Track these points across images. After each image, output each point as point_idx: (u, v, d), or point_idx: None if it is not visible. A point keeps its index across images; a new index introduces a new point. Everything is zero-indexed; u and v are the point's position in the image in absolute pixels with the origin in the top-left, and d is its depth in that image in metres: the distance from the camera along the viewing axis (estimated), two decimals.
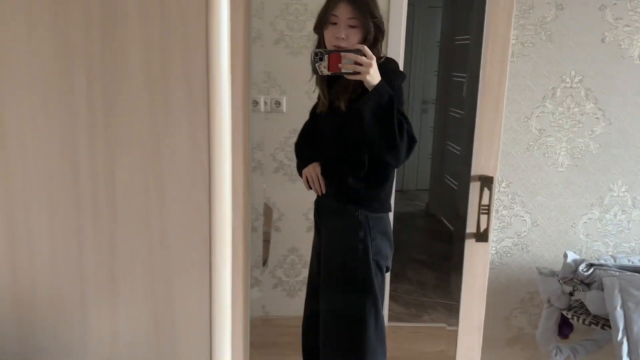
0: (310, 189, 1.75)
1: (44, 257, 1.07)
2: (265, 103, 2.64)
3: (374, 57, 1.42)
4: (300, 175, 1.79)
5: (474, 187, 1.06)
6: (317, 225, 1.80)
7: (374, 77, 1.42)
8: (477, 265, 1.11)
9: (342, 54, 1.44)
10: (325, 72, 1.46)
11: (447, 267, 2.56)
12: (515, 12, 1.92)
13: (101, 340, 1.11)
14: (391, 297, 2.43)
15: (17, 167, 1.03)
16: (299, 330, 2.45)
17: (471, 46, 2.06)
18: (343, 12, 1.54)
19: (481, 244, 1.07)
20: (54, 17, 0.99)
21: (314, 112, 1.76)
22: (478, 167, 1.06)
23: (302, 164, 1.79)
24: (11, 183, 1.04)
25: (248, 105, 1.08)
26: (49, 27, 1.00)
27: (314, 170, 1.73)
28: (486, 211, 1.04)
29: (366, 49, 1.42)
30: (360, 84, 1.46)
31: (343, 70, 1.45)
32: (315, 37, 1.88)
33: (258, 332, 2.89)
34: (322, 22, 1.58)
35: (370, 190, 1.62)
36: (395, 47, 2.17)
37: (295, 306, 2.80)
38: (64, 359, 1.07)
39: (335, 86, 1.61)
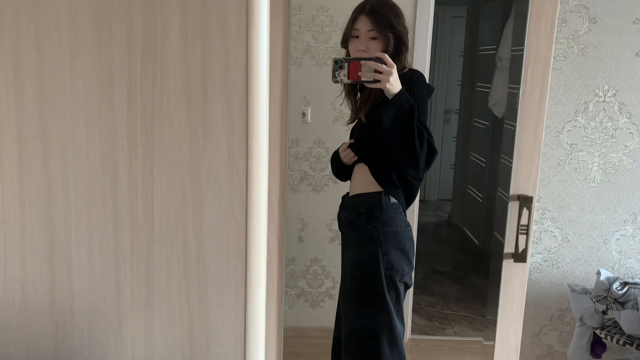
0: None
1: (82, 271, 1.08)
2: (290, 114, 2.64)
3: (394, 66, 1.42)
4: (334, 169, 1.80)
5: (513, 207, 1.04)
6: (342, 236, 1.80)
7: (394, 85, 1.43)
8: (515, 286, 1.10)
9: (361, 62, 1.44)
10: (345, 80, 1.46)
11: (472, 280, 2.53)
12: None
13: (137, 354, 1.11)
14: (414, 310, 2.41)
15: (57, 183, 1.05)
16: (322, 342, 2.44)
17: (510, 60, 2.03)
18: (363, 25, 1.58)
19: (519, 265, 1.05)
20: (97, 34, 1.01)
21: (352, 130, 1.78)
22: (517, 186, 1.05)
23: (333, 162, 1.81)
24: (52, 198, 1.05)
25: (286, 122, 1.09)
26: (91, 44, 1.01)
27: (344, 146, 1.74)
28: (525, 231, 1.02)
29: (386, 57, 1.42)
30: (382, 94, 1.46)
31: (363, 79, 1.45)
32: (341, 49, 1.91)
33: (283, 342, 2.89)
34: (347, 37, 1.62)
35: (385, 203, 1.61)
36: (422, 58, 2.16)
37: (317, 317, 2.80)
38: None
39: (360, 97, 1.62)
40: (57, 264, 1.07)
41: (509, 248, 1.06)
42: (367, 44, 1.56)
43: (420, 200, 2.07)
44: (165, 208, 1.06)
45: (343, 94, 1.71)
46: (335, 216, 1.88)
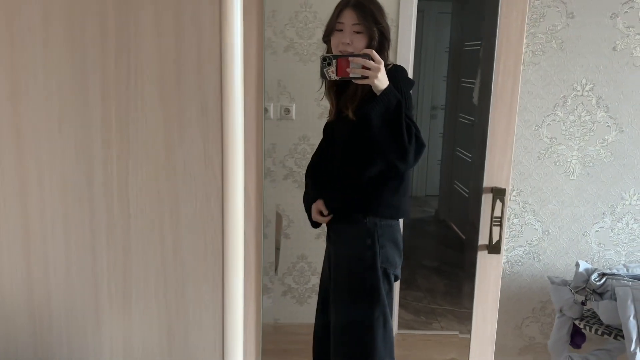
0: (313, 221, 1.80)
1: (59, 269, 1.08)
2: (275, 110, 2.66)
3: (382, 62, 1.42)
4: (305, 207, 1.81)
5: (486, 199, 1.06)
6: (327, 232, 1.81)
7: (382, 81, 1.43)
8: (490, 277, 1.11)
9: (350, 58, 1.44)
10: (334, 76, 1.46)
11: (458, 275, 2.55)
12: (527, 20, 1.92)
13: (115, 350, 1.12)
14: (401, 305, 2.43)
15: (33, 180, 1.05)
16: (309, 338, 2.45)
17: (482, 53, 2.06)
18: (348, 18, 1.57)
19: (494, 256, 1.07)
20: (70, 32, 1.01)
21: (326, 126, 1.77)
22: (490, 178, 1.06)
23: (306, 195, 1.82)
24: (27, 196, 1.05)
25: (261, 116, 1.09)
26: (64, 42, 1.01)
27: (317, 208, 1.74)
28: (498, 223, 1.04)
29: (374, 53, 1.42)
30: (369, 90, 1.47)
31: (351, 75, 1.45)
32: (324, 46, 1.91)
33: (268, 339, 2.89)
34: (329, 30, 1.61)
35: (379, 197, 1.63)
36: (405, 54, 2.17)
37: (304, 313, 2.80)
38: None
39: (344, 94, 1.62)
40: (33, 260, 1.07)
41: (483, 240, 1.07)
42: (351, 38, 1.56)
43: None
44: (141, 204, 1.06)
45: (323, 89, 1.71)
46: None
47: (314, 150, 1.98)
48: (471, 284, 1.18)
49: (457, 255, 2.69)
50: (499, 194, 1.04)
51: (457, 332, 2.29)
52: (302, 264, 2.84)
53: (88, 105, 1.03)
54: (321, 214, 1.74)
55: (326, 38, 1.65)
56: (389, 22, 1.77)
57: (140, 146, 1.04)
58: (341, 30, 1.57)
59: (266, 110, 2.40)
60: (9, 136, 1.04)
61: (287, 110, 2.69)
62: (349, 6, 1.59)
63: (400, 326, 2.39)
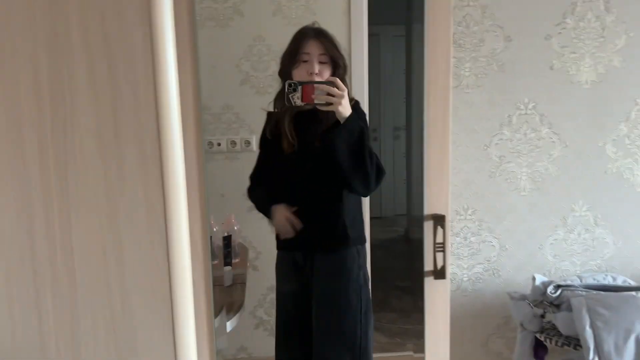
0: (279, 235, 1.77)
1: (4, 331, 1.06)
2: (234, 143, 2.67)
3: (346, 89, 1.46)
4: (268, 216, 1.79)
5: (428, 226, 1.08)
6: (301, 266, 1.78)
7: (345, 108, 1.47)
8: (438, 303, 1.13)
9: (315, 85, 1.47)
10: (299, 102, 1.47)
11: None
12: (468, 45, 2.00)
13: None
14: (376, 328, 2.43)
15: None
16: None
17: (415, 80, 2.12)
18: (314, 49, 1.60)
19: (440, 282, 1.09)
20: (2, 87, 1.01)
21: (280, 159, 1.75)
22: (430, 206, 1.09)
23: (266, 204, 1.79)
24: None
25: (202, 160, 1.11)
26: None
27: (284, 213, 1.73)
28: (441, 249, 1.06)
29: (338, 81, 1.46)
30: (333, 118, 1.50)
31: (316, 101, 1.47)
32: (278, 78, 1.92)
33: None
34: (292, 62, 1.62)
35: (356, 224, 1.68)
36: (360, 78, 2.23)
37: None
38: None
39: (308, 125, 1.64)
40: None
41: (428, 266, 1.10)
42: (319, 68, 1.59)
43: (376, 217, 2.12)
44: (85, 256, 1.05)
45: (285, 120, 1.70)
46: None
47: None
48: None
49: None
50: (439, 220, 1.07)
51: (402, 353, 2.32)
52: (272, 295, 2.82)
53: (26, 161, 1.03)
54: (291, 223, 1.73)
55: (286, 71, 1.65)
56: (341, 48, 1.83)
57: (81, 198, 1.04)
58: (306, 61, 1.59)
59: (234, 143, 2.42)
60: None
61: (248, 142, 2.70)
62: (312, 37, 1.63)
63: (376, 350, 2.39)
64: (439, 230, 1.06)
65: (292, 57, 1.62)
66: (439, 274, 1.07)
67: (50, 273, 1.05)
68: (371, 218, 1.97)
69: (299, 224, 1.70)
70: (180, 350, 1.10)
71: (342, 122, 1.48)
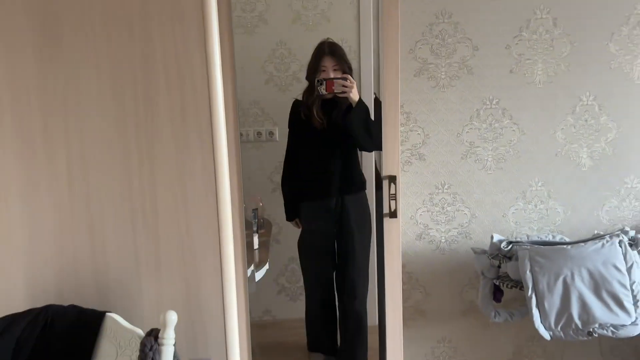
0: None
1: (112, 244, 1.65)
2: (260, 134, 3.25)
3: (355, 82, 2.24)
4: (288, 217, 2.52)
5: (385, 183, 1.61)
6: (334, 206, 2.49)
7: (355, 95, 2.25)
8: (393, 237, 1.66)
9: (335, 80, 2.28)
10: (324, 92, 2.30)
11: None
12: (443, 54, 2.51)
13: (151, 301, 1.67)
14: None
15: (96, 187, 1.62)
16: (303, 331, 3.01)
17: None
18: (329, 63, 2.37)
19: (393, 220, 1.62)
20: (113, 93, 1.59)
21: (304, 131, 2.46)
22: (387, 169, 1.62)
23: (290, 209, 2.52)
24: (92, 197, 1.62)
25: (238, 144, 1.67)
26: (111, 109, 1.59)
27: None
28: (394, 197, 1.59)
29: (350, 77, 2.26)
30: (344, 104, 2.29)
31: (335, 91, 2.26)
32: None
33: (266, 333, 3.43)
34: (314, 72, 2.39)
35: (362, 175, 2.53)
36: (367, 64, 2.85)
37: (298, 309, 3.28)
38: (128, 312, 1.64)
39: (332, 109, 2.37)
40: (95, 241, 1.64)
41: (385, 210, 1.63)
42: (333, 74, 2.38)
43: None
44: (164, 199, 1.63)
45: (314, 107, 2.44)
46: None
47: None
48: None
49: None
50: (392, 180, 1.59)
51: None
52: (293, 265, 3.37)
53: (127, 138, 1.61)
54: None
55: (311, 77, 2.43)
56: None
57: (161, 163, 1.62)
58: (324, 70, 2.37)
59: (260, 134, 3.03)
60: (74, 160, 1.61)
61: (272, 133, 3.30)
62: (327, 53, 2.39)
63: None
64: (392, 186, 1.59)
65: (314, 69, 2.40)
66: (392, 214, 1.60)
67: (142, 213, 1.63)
68: None
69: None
70: (224, 267, 1.67)
71: (354, 105, 2.24)
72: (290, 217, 2.68)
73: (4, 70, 1.52)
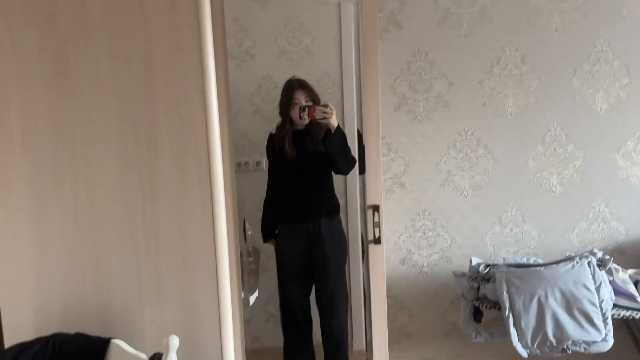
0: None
1: (117, 274, 1.74)
2: (248, 164, 3.37)
3: (334, 109, 2.36)
4: (264, 238, 2.62)
5: (369, 212, 1.74)
6: (308, 231, 2.57)
7: (334, 121, 2.35)
8: (377, 262, 1.78)
9: (316, 107, 2.38)
10: (306, 118, 2.39)
11: None
12: (421, 89, 2.69)
13: (152, 327, 1.76)
14: None
15: (102, 220, 1.72)
16: None
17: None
18: (300, 96, 2.49)
19: (377, 246, 1.74)
20: (117, 135, 1.71)
21: (279, 160, 2.57)
22: (370, 199, 1.75)
23: (266, 231, 2.61)
24: (97, 230, 1.72)
25: (233, 172, 1.79)
26: (116, 145, 1.71)
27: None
28: (377, 225, 1.72)
29: (330, 104, 2.36)
30: (317, 133, 2.43)
31: (317, 117, 2.36)
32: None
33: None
34: (288, 106, 2.50)
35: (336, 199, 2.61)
36: (350, 95, 2.98)
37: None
38: (131, 337, 1.73)
39: (305, 139, 2.49)
40: (100, 271, 1.73)
41: (370, 237, 1.76)
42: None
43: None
44: (165, 236, 1.74)
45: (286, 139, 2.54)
46: None
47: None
48: None
49: None
50: (376, 209, 1.73)
51: None
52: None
53: (130, 172, 1.72)
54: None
55: (285, 110, 2.55)
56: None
57: (162, 196, 1.73)
58: (297, 103, 2.48)
59: (247, 164, 3.15)
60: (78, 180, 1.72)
61: (258, 163, 3.42)
62: (297, 88, 2.52)
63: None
64: (376, 215, 1.72)
65: (287, 103, 2.51)
66: (377, 241, 1.73)
67: (144, 246, 1.73)
68: None
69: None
70: (220, 294, 1.78)
71: (333, 131, 2.35)
72: (265, 238, 2.79)
73: (18, 107, 1.64)
